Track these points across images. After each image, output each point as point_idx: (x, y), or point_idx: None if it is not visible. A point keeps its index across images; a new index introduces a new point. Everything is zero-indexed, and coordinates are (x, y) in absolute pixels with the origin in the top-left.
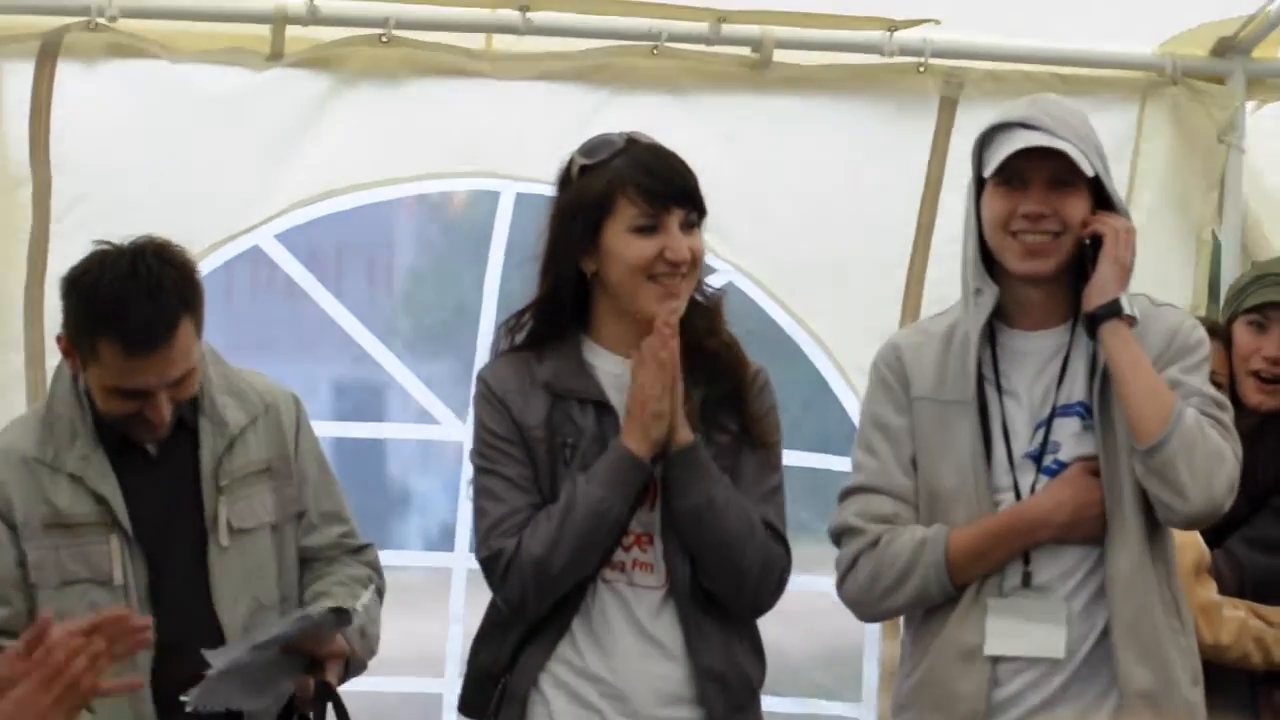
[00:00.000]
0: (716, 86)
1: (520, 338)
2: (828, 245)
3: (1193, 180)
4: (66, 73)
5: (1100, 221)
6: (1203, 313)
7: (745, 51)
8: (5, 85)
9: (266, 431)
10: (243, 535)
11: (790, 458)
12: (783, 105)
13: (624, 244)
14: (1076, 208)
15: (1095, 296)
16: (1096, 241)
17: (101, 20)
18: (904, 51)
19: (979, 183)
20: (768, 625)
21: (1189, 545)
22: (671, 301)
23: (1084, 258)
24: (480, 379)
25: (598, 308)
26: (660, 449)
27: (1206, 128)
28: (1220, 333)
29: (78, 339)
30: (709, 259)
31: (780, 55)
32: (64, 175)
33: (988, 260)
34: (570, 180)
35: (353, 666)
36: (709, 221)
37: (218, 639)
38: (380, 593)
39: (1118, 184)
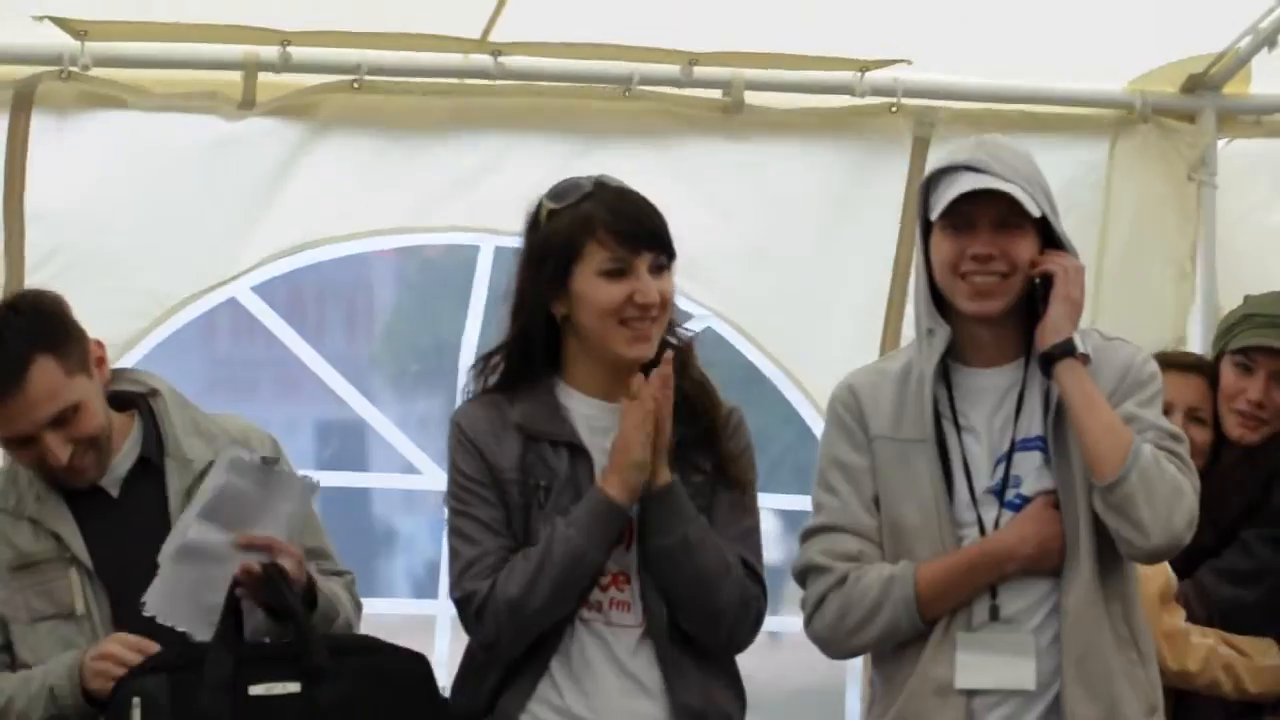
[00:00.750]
0: (689, 130)
1: (493, 380)
2: (804, 287)
3: (1167, 216)
4: (40, 124)
5: (1050, 260)
6: (1183, 347)
7: (717, 94)
8: None
9: None
10: None
11: (770, 500)
12: (756, 147)
13: (593, 288)
14: (1024, 248)
15: (1049, 336)
16: (1047, 280)
17: (74, 69)
18: (875, 92)
19: (925, 224)
20: (751, 663)
21: (1155, 573)
22: (642, 345)
23: (1034, 296)
24: (453, 422)
25: (569, 351)
26: (640, 494)
27: (1178, 164)
28: (1206, 367)
29: None
30: (687, 304)
31: (752, 97)
32: (38, 228)
33: (939, 299)
34: (539, 224)
35: (322, 606)
36: (685, 266)
37: None
38: (357, 606)
39: (1091, 220)
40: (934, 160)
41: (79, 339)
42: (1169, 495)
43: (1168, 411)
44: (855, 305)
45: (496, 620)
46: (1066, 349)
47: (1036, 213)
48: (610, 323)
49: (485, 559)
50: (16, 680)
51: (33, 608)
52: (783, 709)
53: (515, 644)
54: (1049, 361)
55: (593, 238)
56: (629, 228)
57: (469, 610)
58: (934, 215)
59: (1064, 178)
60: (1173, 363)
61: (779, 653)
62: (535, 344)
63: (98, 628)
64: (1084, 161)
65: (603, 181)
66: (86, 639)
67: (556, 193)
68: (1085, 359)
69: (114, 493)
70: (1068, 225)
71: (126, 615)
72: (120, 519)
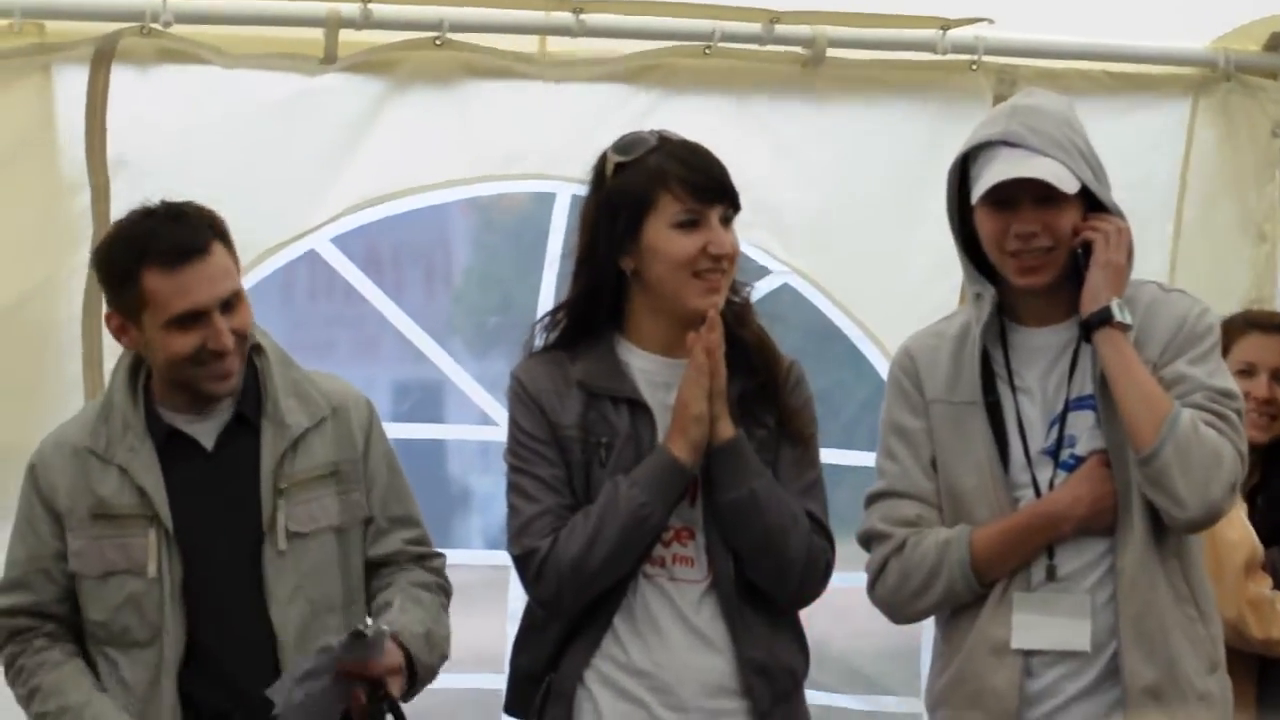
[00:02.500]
0: (769, 87)
1: (554, 336)
2: (883, 244)
3: (1247, 174)
4: (120, 79)
5: (1090, 227)
6: (1262, 306)
7: (798, 51)
8: (59, 92)
9: (335, 434)
10: (300, 539)
11: (848, 457)
12: (836, 105)
13: (667, 240)
14: (1067, 219)
15: (1088, 304)
16: (1088, 247)
17: (155, 25)
18: (956, 50)
19: (960, 194)
20: (828, 623)
21: (1241, 543)
22: (714, 296)
23: (1078, 263)
24: (514, 378)
25: (633, 305)
26: (704, 451)
27: (1260, 122)
28: None
29: (121, 296)
30: (765, 259)
31: (833, 54)
32: (120, 181)
33: (981, 260)
34: (605, 178)
35: (421, 675)
36: (763, 222)
37: (265, 641)
38: (447, 596)
39: (1171, 179)
40: (972, 132)
41: (231, 242)
42: (1206, 465)
43: (1252, 373)
44: (933, 262)
45: (558, 578)
46: (1104, 317)
47: (1074, 189)
48: (684, 275)
49: (545, 517)
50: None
51: (106, 559)
52: (857, 670)
53: (575, 602)
54: (1088, 329)
55: (666, 190)
56: (702, 180)
57: (529, 568)
58: (974, 198)
59: (1145, 137)
60: (1258, 322)
61: (853, 613)
62: (603, 299)
63: (167, 592)
64: (1165, 120)
65: (665, 135)
66: (154, 602)
67: (622, 146)
68: (1123, 327)
69: (208, 445)
70: (1149, 184)
71: (199, 582)
72: (211, 475)
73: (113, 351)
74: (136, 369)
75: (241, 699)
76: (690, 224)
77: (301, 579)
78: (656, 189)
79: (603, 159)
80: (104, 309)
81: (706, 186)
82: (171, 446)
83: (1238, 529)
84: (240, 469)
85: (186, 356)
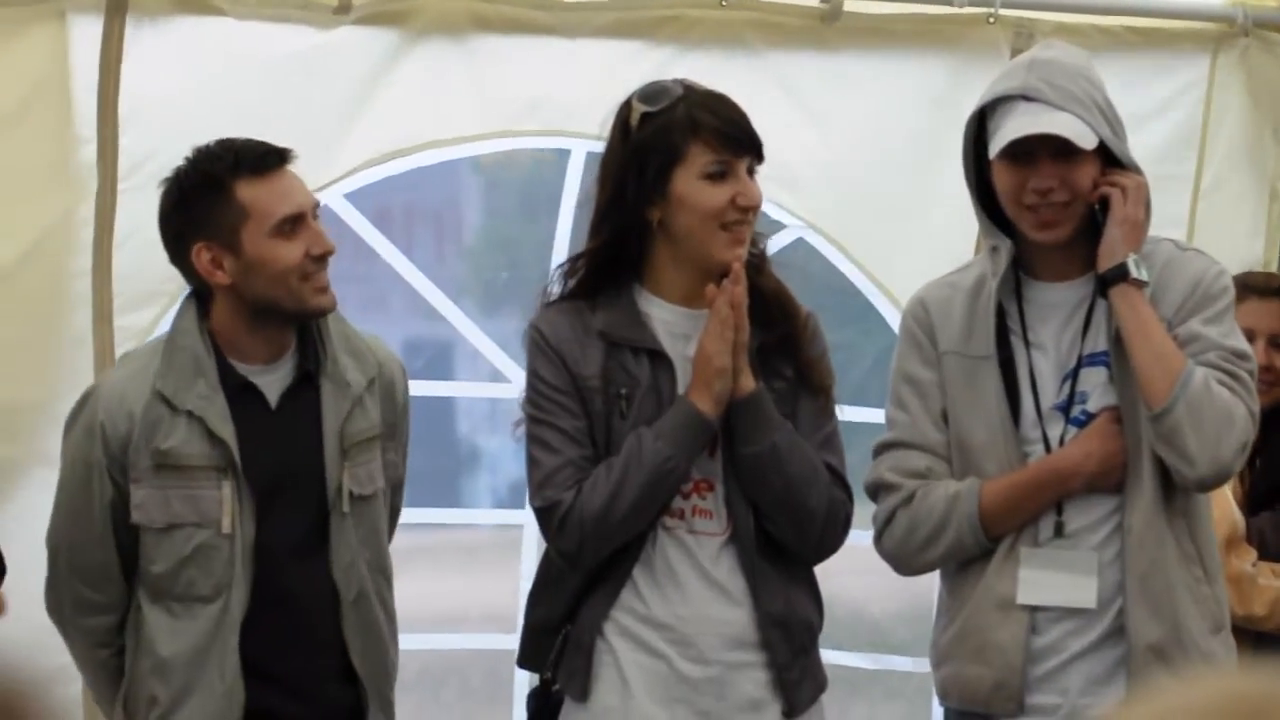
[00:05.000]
0: (786, 40)
1: (572, 285)
2: (899, 199)
3: (1265, 132)
4: (134, 30)
5: (1109, 183)
6: (1275, 266)
7: (815, 3)
8: (72, 42)
9: (381, 396)
10: (361, 501)
11: (861, 414)
12: (852, 58)
13: (697, 191)
14: (1085, 174)
15: (1104, 260)
16: (1106, 203)
17: None
18: (974, 2)
19: (977, 148)
20: (844, 581)
21: (1222, 519)
22: (739, 248)
23: (1095, 218)
24: (534, 327)
25: (655, 256)
26: (725, 403)
27: (1277, 78)
28: None
29: (214, 216)
30: (779, 214)
31: (850, 7)
32: (131, 134)
33: (996, 212)
34: (630, 128)
35: None
36: (779, 176)
37: (328, 601)
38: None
39: (1190, 136)
40: (989, 86)
41: None
42: (1218, 424)
43: (1249, 339)
44: (949, 217)
45: (581, 530)
46: (1120, 273)
47: (1092, 144)
48: (712, 226)
49: (567, 469)
50: None
51: (173, 510)
52: (873, 629)
53: (597, 554)
54: (1105, 285)
55: (697, 140)
56: (733, 130)
57: (551, 520)
58: (992, 153)
59: (1164, 92)
60: (1254, 286)
61: (868, 573)
62: (628, 249)
63: (239, 548)
64: (1184, 76)
65: (689, 84)
66: (224, 558)
67: (648, 95)
68: (1140, 284)
69: (272, 402)
70: (1168, 139)
71: (266, 539)
72: (274, 431)
73: (123, 308)
74: (202, 317)
75: (302, 659)
76: (720, 175)
77: (361, 541)
78: (687, 139)
79: (627, 108)
80: (195, 246)
81: (737, 137)
82: (238, 399)
83: (1219, 505)
84: (302, 426)
85: (294, 267)
